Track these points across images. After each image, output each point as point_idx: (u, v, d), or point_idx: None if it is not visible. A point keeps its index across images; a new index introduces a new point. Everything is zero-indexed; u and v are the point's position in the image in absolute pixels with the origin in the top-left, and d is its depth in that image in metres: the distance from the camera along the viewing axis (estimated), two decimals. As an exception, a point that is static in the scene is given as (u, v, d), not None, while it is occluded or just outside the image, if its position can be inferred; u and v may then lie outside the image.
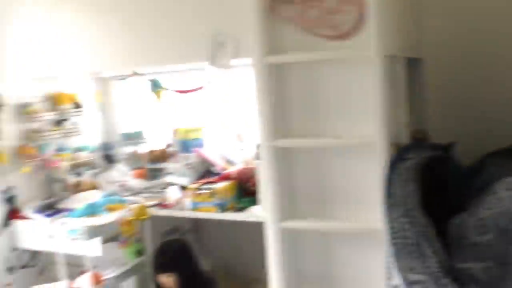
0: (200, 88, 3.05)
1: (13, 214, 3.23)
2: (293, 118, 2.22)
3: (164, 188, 3.29)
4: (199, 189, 2.93)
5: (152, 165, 3.63)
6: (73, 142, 3.63)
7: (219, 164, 3.30)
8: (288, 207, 2.29)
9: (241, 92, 3.02)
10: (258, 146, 3.23)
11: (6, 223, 3.22)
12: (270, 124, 2.18)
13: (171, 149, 3.62)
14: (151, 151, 3.67)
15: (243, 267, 3.66)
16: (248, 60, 2.20)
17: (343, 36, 1.92)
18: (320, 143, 2.16)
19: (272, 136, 2.19)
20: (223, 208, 2.88)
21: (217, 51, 2.14)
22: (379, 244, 2.02)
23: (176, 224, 3.58)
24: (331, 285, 2.28)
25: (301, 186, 2.27)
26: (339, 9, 1.90)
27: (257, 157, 3.18)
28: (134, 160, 3.70)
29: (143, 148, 3.73)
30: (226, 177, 3.07)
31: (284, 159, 2.26)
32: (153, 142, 3.75)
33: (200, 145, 3.48)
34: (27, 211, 3.19)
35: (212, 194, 2.89)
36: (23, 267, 3.35)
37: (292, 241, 2.32)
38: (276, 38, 2.11)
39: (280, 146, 2.21)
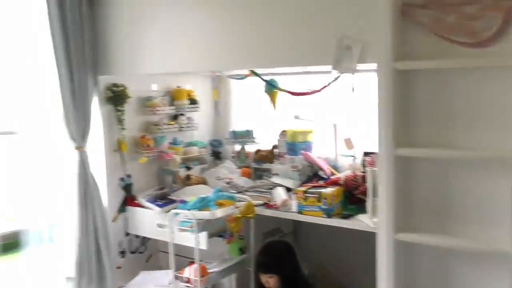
0: (317, 91, 3.02)
1: (129, 201, 3.43)
2: (416, 127, 2.14)
3: (270, 189, 3.32)
4: (306, 192, 2.92)
5: (258, 165, 3.68)
6: (186, 136, 3.79)
7: (326, 169, 3.26)
8: (404, 218, 2.21)
9: (358, 97, 2.94)
10: (367, 154, 3.19)
11: (122, 209, 3.42)
12: (391, 132, 2.12)
13: (278, 150, 3.65)
14: (258, 151, 3.71)
15: (341, 274, 3.61)
16: (373, 65, 2.15)
17: (483, 43, 1.81)
18: (450, 154, 2.06)
19: (392, 144, 2.12)
20: (329, 213, 2.84)
21: (342, 54, 2.10)
22: (506, 269, 1.89)
23: (278, 226, 3.61)
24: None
25: (420, 198, 2.19)
26: (480, 15, 1.80)
27: (365, 164, 3.14)
28: (241, 158, 3.77)
29: (251, 147, 3.79)
30: (333, 183, 3.03)
31: (403, 169, 2.18)
32: (261, 142, 3.79)
33: (309, 148, 3.47)
34: (141, 199, 3.37)
35: (319, 198, 2.86)
36: (133, 252, 3.55)
37: (405, 254, 2.24)
38: (406, 43, 2.04)
39: (400, 155, 2.13)
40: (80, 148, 3.06)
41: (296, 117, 3.47)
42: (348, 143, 3.19)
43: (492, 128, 1.97)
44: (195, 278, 2.85)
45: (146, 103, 3.48)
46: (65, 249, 3.13)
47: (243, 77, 3.64)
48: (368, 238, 2.58)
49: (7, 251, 3.15)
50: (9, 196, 3.18)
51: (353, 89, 2.46)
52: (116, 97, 3.27)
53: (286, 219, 3.37)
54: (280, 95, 3.44)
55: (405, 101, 2.14)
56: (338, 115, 3.39)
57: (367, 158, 3.07)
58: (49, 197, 3.23)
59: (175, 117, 3.68)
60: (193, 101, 3.74)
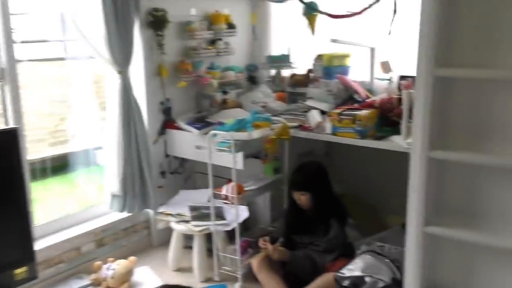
0: (357, 13, 2.98)
1: (168, 124, 3.56)
2: (457, 48, 2.13)
3: (305, 112, 3.39)
4: (341, 114, 2.97)
5: (293, 89, 3.72)
6: (224, 61, 3.84)
7: (361, 92, 3.29)
8: (438, 138, 2.25)
9: (398, 20, 2.90)
10: (403, 77, 3.19)
11: (162, 132, 3.56)
12: (431, 51, 2.11)
13: (313, 74, 3.67)
14: (294, 75, 3.75)
15: (372, 196, 3.72)
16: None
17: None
18: (490, 74, 2.05)
19: (432, 64, 2.13)
20: (363, 135, 2.90)
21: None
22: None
23: (311, 147, 3.71)
24: (474, 220, 2.25)
25: (455, 119, 2.21)
26: None
27: (400, 87, 3.15)
28: (277, 82, 3.82)
29: (286, 72, 3.82)
30: (368, 105, 3.07)
31: (440, 89, 2.20)
32: (297, 67, 3.81)
33: (345, 72, 3.49)
34: (180, 122, 3.48)
35: (354, 120, 2.91)
36: (172, 173, 3.73)
37: (437, 173, 2.31)
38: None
39: (439, 75, 2.15)
40: (123, 72, 3.15)
41: (333, 41, 3.46)
42: (385, 66, 3.19)
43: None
44: (232, 195, 3.01)
45: (185, 28, 3.50)
46: (110, 170, 3.32)
47: (282, 0, 3.59)
48: (400, 160, 2.65)
49: (56, 172, 3.35)
50: (57, 120, 3.33)
51: (395, 11, 2.42)
52: (156, 22, 3.30)
53: (319, 141, 3.46)
54: (318, 19, 3.39)
55: (448, 20, 2.12)
56: (376, 39, 3.36)
57: (403, 82, 3.08)
58: (95, 121, 3.38)
59: (213, 42, 3.71)
60: (230, 26, 3.74)
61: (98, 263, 3.16)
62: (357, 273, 2.56)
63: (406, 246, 2.43)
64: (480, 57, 2.08)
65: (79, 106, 3.30)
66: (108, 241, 3.42)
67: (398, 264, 2.65)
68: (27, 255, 2.52)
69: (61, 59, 3.09)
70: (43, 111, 3.17)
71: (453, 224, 2.29)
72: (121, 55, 3.10)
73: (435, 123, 2.23)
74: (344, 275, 2.60)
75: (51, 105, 3.22)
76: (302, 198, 2.96)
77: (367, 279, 2.52)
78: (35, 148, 3.16)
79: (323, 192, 2.98)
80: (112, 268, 3.12)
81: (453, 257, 2.36)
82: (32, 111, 3.11)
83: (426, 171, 2.26)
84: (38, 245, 2.94)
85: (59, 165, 3.39)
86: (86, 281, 3.15)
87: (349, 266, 2.64)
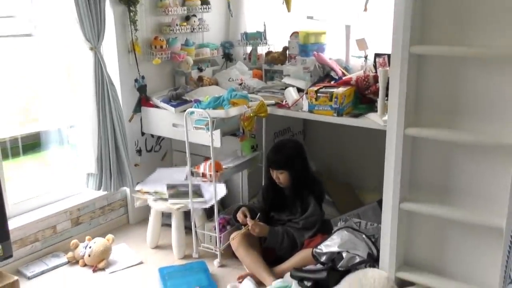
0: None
1: (144, 101, 3.51)
2: (431, 26, 2.16)
3: (282, 89, 3.39)
4: (318, 92, 2.98)
5: (270, 67, 3.71)
6: (199, 38, 3.79)
7: (338, 69, 3.31)
8: (413, 116, 2.30)
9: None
10: (378, 55, 3.21)
11: (137, 109, 3.52)
12: (407, 29, 2.14)
13: (289, 51, 3.66)
14: (270, 52, 3.73)
15: (348, 173, 3.78)
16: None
17: None
18: (463, 52, 2.10)
19: (407, 41, 2.15)
20: (339, 112, 2.92)
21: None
22: (506, 159, 2.00)
23: (288, 125, 3.73)
24: (448, 196, 2.32)
25: (430, 95, 2.25)
26: None
27: (376, 65, 3.17)
28: (253, 60, 3.79)
29: (262, 49, 3.80)
30: (345, 83, 3.08)
31: (415, 66, 2.23)
32: (273, 44, 3.79)
33: (321, 50, 3.49)
34: (156, 100, 3.44)
35: (330, 97, 2.92)
36: (149, 151, 3.70)
37: (413, 149, 2.36)
38: None
39: (414, 53, 2.17)
40: (95, 49, 3.08)
41: (309, 18, 3.45)
42: (361, 44, 3.20)
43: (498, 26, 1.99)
44: (210, 173, 3.01)
45: (158, 4, 3.44)
46: (85, 149, 3.27)
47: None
48: (377, 138, 2.69)
49: (27, 151, 3.29)
50: (29, 99, 3.25)
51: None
52: (128, -3, 3.23)
53: (296, 119, 3.49)
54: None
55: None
56: (352, 16, 3.36)
57: (379, 59, 3.10)
58: (68, 99, 3.32)
59: (187, 18, 3.65)
60: (204, 2, 3.68)
61: (75, 241, 3.15)
62: (334, 249, 2.61)
63: (382, 222, 2.50)
64: (454, 34, 2.12)
65: (50, 84, 3.22)
66: (85, 219, 3.39)
67: (374, 240, 2.72)
68: (1, 233, 2.49)
69: (29, 35, 3.01)
70: (13, 89, 3.09)
71: (427, 200, 2.36)
72: (92, 31, 3.03)
73: (410, 100, 2.27)
74: (321, 251, 2.65)
75: (20, 83, 3.13)
76: (280, 176, 2.98)
77: (344, 254, 2.57)
78: (5, 127, 3.09)
79: (300, 170, 3.00)
80: (89, 246, 3.11)
81: (427, 232, 2.44)
82: (0, 89, 3.03)
83: (401, 148, 2.31)
84: (12, 224, 2.92)
85: (31, 144, 3.33)
86: (63, 259, 3.14)
87: (326, 242, 2.69)
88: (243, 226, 2.99)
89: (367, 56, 3.24)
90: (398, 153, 2.32)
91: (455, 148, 2.24)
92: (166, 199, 3.17)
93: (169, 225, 3.24)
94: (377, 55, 3.20)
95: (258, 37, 3.73)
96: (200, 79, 3.64)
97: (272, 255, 2.98)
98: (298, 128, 3.86)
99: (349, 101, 2.98)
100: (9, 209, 2.99)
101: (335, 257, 2.59)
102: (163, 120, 3.42)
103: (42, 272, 3.01)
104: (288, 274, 2.71)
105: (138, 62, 3.41)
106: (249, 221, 2.92)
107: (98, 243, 3.13)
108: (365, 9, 3.11)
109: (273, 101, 3.26)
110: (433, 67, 2.22)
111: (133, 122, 3.51)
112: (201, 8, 3.66)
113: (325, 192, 3.19)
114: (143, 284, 2.91)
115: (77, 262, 3.12)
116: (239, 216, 2.99)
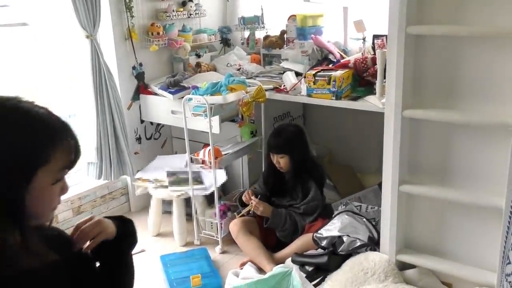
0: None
1: (142, 89, 3.50)
2: (430, 4, 2.12)
3: (280, 74, 3.36)
4: (315, 75, 2.95)
5: (268, 51, 3.68)
6: (196, 23, 3.76)
7: (336, 52, 3.27)
8: (411, 97, 2.27)
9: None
10: (376, 36, 3.17)
11: (136, 97, 3.50)
12: (403, 9, 2.10)
13: (287, 35, 3.63)
14: (268, 37, 3.69)
15: (348, 156, 3.77)
16: None
17: None
18: (461, 31, 2.06)
19: (404, 22, 2.12)
20: (338, 96, 2.90)
21: None
22: (505, 139, 1.98)
23: (287, 110, 3.71)
24: (446, 177, 2.30)
25: (428, 76, 2.22)
26: None
27: (374, 47, 3.14)
28: (251, 45, 3.76)
29: (260, 33, 3.76)
30: (343, 66, 3.05)
31: (412, 47, 2.20)
32: (271, 28, 3.75)
33: (319, 33, 3.45)
34: (154, 87, 3.43)
35: (329, 81, 2.89)
36: (148, 138, 3.70)
37: (411, 131, 2.33)
38: None
39: (411, 33, 2.14)
40: (91, 36, 3.06)
41: (306, 0, 3.41)
42: (359, 26, 3.16)
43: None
44: (210, 160, 3.00)
45: (154, -11, 3.41)
46: (85, 138, 3.27)
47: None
48: (376, 120, 2.66)
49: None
50: (26, 89, 3.24)
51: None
52: (123, -17, 3.20)
53: (295, 103, 3.46)
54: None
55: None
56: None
57: (377, 41, 3.07)
58: (66, 88, 3.30)
59: (183, 4, 3.61)
60: (202, -13, 3.66)
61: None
62: (335, 233, 2.61)
63: (382, 205, 2.49)
64: (451, 13, 2.08)
65: (47, 73, 3.21)
66: (86, 208, 3.40)
67: (375, 223, 2.71)
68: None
69: (24, 24, 2.98)
70: (9, 79, 3.08)
71: (427, 182, 2.34)
72: (88, 19, 3.00)
73: (408, 82, 2.24)
74: (322, 236, 2.64)
75: (17, 73, 3.12)
76: (281, 161, 2.97)
77: (344, 238, 2.57)
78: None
79: (301, 154, 2.99)
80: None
81: (427, 214, 2.42)
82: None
83: (399, 131, 2.28)
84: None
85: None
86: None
87: (327, 227, 2.69)
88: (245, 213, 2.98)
89: (365, 38, 3.20)
90: (396, 135, 2.29)
91: (455, 129, 2.22)
92: (166, 187, 3.17)
93: (170, 213, 3.25)
94: (375, 37, 3.16)
95: (255, 21, 3.69)
96: (198, 65, 3.61)
97: (272, 241, 2.98)
98: (298, 113, 3.84)
99: (347, 84, 2.96)
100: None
101: (335, 241, 2.59)
102: (162, 107, 3.40)
103: (45, 261, 3.03)
104: (289, 259, 2.72)
105: (135, 49, 3.39)
106: (253, 200, 2.92)
107: (99, 232, 3.13)
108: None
109: (271, 86, 3.24)
110: (431, 47, 2.19)
111: (132, 110, 3.50)
112: (197, -6, 3.62)
113: (326, 176, 3.18)
114: (145, 272, 2.92)
115: (79, 251, 3.13)
116: (245, 196, 2.99)
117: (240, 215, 3.00)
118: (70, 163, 1.11)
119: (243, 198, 3.00)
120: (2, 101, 1.06)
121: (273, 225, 2.94)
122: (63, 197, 1.16)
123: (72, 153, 1.10)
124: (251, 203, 2.92)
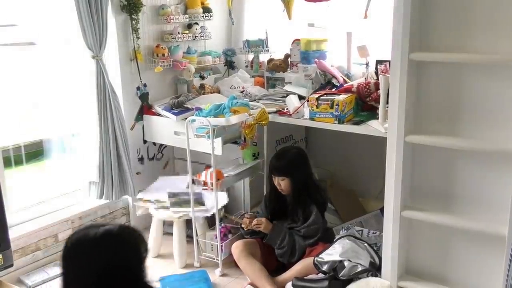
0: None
1: (145, 109, 3.52)
2: (434, 31, 2.14)
3: (283, 97, 3.38)
4: (319, 99, 2.97)
5: (271, 74, 3.71)
6: (200, 46, 3.79)
7: (339, 77, 3.30)
8: (414, 123, 2.28)
9: (373, 4, 2.91)
10: (380, 62, 3.20)
11: (139, 117, 3.52)
12: (406, 35, 2.13)
13: (291, 59, 3.66)
14: (271, 60, 3.72)
15: (351, 180, 3.76)
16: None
17: None
18: (464, 58, 2.08)
19: (407, 48, 2.14)
20: (341, 120, 2.91)
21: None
22: (508, 165, 1.98)
23: (290, 133, 3.72)
24: (449, 203, 2.30)
25: (431, 102, 2.24)
26: None
27: (377, 72, 3.16)
28: (254, 68, 3.79)
29: (264, 57, 3.80)
30: (346, 90, 3.07)
31: (415, 73, 2.22)
32: (275, 51, 3.79)
33: (322, 57, 3.48)
34: (158, 108, 3.44)
35: (332, 105, 2.91)
36: (151, 159, 3.70)
37: (414, 156, 2.34)
38: None
39: (414, 60, 2.16)
40: (97, 57, 3.09)
41: (310, 25, 3.45)
42: (363, 51, 3.19)
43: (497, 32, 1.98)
44: (211, 181, 2.99)
45: (160, 12, 3.45)
46: (87, 157, 3.27)
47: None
48: (378, 145, 2.67)
49: (30, 159, 3.29)
50: (32, 107, 3.26)
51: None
52: (130, 5, 3.23)
53: (298, 126, 3.47)
54: (295, 3, 3.38)
55: (422, 4, 2.13)
56: (353, 23, 3.36)
57: (380, 66, 3.09)
58: (70, 107, 3.32)
59: (189, 26, 3.66)
60: (206, 10, 3.69)
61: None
62: (336, 257, 2.59)
63: (384, 230, 2.47)
64: (454, 41, 2.10)
65: (52, 92, 3.23)
66: (86, 228, 3.38)
67: (376, 248, 2.69)
68: (1, 242, 2.48)
69: (31, 43, 3.02)
70: (15, 97, 3.10)
71: (429, 208, 2.33)
72: (94, 40, 3.04)
73: (410, 107, 2.25)
74: (323, 260, 2.62)
75: (23, 91, 3.14)
76: (282, 183, 2.97)
77: (345, 263, 2.54)
78: (8, 135, 3.09)
79: (302, 177, 2.99)
80: (91, 255, 3.10)
81: (429, 240, 2.41)
82: (3, 97, 3.03)
83: (402, 156, 2.29)
84: (13, 233, 2.89)
85: (34, 152, 3.33)
86: (64, 269, 3.12)
87: (328, 251, 2.67)
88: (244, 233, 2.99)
89: (368, 63, 3.23)
90: (398, 161, 2.30)
91: (457, 155, 2.22)
92: (167, 208, 3.16)
93: (171, 234, 3.23)
94: (378, 62, 3.19)
95: (259, 45, 3.72)
96: (202, 87, 3.64)
97: (272, 265, 2.96)
98: (300, 136, 3.85)
99: (350, 108, 2.97)
100: (11, 218, 2.98)
101: (336, 266, 2.56)
102: (165, 128, 3.42)
103: (43, 281, 3.00)
104: (290, 283, 2.69)
105: (140, 70, 3.42)
106: (254, 220, 2.95)
107: (99, 252, 3.11)
108: (365, 16, 3.10)
109: (274, 109, 3.25)
110: (433, 74, 2.20)
111: (135, 130, 3.51)
112: (203, 16, 3.67)
113: (328, 200, 3.17)
114: (144, 293, 2.89)
115: (78, 271, 3.11)
116: (244, 219, 2.99)
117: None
118: None
119: (244, 220, 3.00)
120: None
121: (271, 240, 2.93)
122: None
123: None
124: (245, 217, 2.98)
